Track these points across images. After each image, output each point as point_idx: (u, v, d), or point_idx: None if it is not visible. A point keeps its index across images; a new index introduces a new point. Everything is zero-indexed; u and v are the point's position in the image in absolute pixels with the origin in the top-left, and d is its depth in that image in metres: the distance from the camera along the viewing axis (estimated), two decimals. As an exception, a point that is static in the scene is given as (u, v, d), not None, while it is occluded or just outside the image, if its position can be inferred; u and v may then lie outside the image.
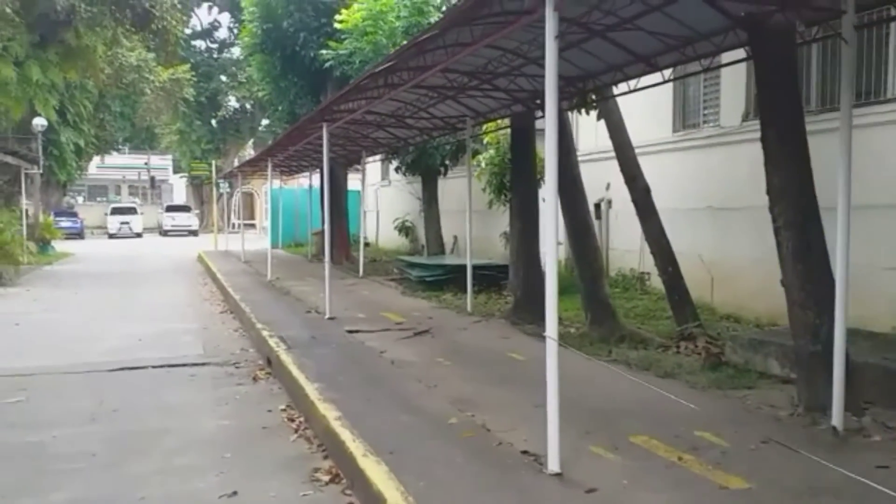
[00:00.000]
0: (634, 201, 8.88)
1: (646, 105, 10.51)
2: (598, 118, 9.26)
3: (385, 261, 19.61)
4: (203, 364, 8.25)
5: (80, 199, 54.33)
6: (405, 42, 9.21)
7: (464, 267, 11.54)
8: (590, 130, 12.23)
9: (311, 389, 6.17)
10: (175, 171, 57.70)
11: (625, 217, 11.57)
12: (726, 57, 7.25)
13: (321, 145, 10.98)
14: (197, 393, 7.08)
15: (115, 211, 43.23)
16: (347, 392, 6.12)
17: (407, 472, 4.23)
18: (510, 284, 11.48)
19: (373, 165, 23.62)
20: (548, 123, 4.25)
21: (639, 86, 8.03)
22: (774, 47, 5.69)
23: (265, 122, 39.55)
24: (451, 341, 8.61)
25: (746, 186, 9.54)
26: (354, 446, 4.68)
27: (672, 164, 11.29)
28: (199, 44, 45.99)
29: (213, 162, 38.31)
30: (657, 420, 5.31)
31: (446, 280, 13.35)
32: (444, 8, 13.65)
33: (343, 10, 15.20)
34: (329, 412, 5.46)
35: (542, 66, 7.47)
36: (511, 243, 11.23)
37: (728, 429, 5.11)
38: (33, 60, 21.91)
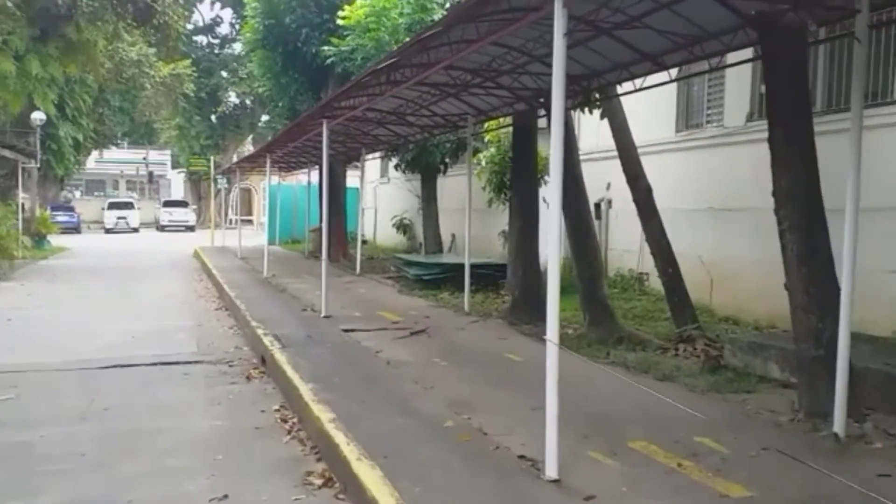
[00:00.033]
0: (636, 201, 8.79)
1: (649, 104, 10.42)
2: (602, 117, 9.17)
3: (382, 258, 19.53)
4: (196, 362, 8.16)
5: (77, 194, 54.08)
6: (408, 39, 9.12)
7: (462, 266, 11.46)
8: (591, 130, 12.14)
9: (305, 390, 6.08)
10: (173, 167, 57.53)
11: (625, 217, 11.49)
12: (732, 57, 7.17)
13: (321, 142, 10.90)
14: (190, 392, 6.99)
15: (112, 206, 43.05)
16: (342, 393, 6.03)
17: (402, 476, 4.14)
18: (508, 284, 11.40)
19: (372, 163, 23.54)
20: (554, 122, 4.17)
21: (644, 85, 7.95)
22: (785, 47, 5.61)
23: (265, 118, 39.39)
24: (447, 341, 8.53)
25: (748, 188, 9.47)
26: (348, 449, 4.59)
27: (674, 165, 11.21)
28: (201, 39, 45.92)
29: (212, 157, 38.19)
30: (656, 424, 5.23)
31: (444, 279, 13.28)
32: (447, 5, 13.55)
33: (346, 7, 15.09)
34: (323, 414, 5.37)
35: (547, 64, 7.41)
36: (510, 242, 11.15)
37: (728, 434, 5.03)
38: (33, 54, 21.78)
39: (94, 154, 45.77)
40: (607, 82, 8.35)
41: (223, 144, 46.76)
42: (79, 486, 4.64)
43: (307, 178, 24.11)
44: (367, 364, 7.34)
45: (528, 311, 9.55)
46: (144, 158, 57.78)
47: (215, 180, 33.55)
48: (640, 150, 9.04)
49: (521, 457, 4.50)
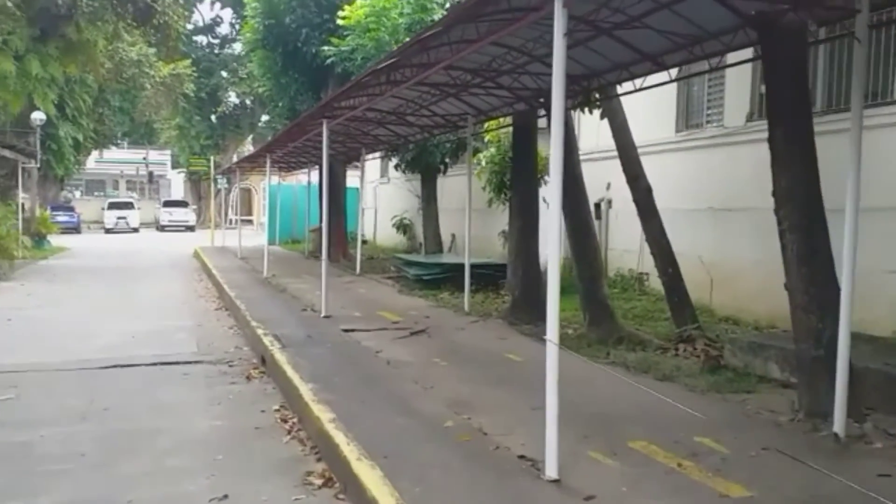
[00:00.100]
0: (636, 201, 8.79)
1: (649, 105, 10.42)
2: (602, 117, 9.17)
3: (382, 258, 19.52)
4: (196, 362, 8.15)
5: (77, 194, 54.06)
6: (408, 39, 9.12)
7: (462, 266, 11.46)
8: (591, 130, 12.14)
9: (305, 390, 6.07)
10: (173, 167, 57.52)
11: (625, 217, 11.49)
12: (732, 57, 7.16)
13: (321, 142, 10.90)
14: (190, 392, 6.99)
15: (112, 206, 43.03)
16: (342, 393, 6.03)
17: (402, 477, 4.14)
18: (508, 284, 11.40)
19: (372, 163, 23.54)
20: (554, 122, 4.17)
21: (644, 85, 7.95)
22: (785, 47, 5.60)
23: (265, 118, 39.39)
24: (447, 341, 8.53)
25: (748, 187, 9.47)
26: (348, 449, 4.59)
27: (673, 165, 11.20)
28: (201, 39, 45.91)
29: (212, 157, 38.17)
30: (656, 424, 5.23)
31: (444, 279, 13.27)
32: (447, 5, 13.55)
33: (346, 7, 15.09)
34: (323, 414, 5.37)
35: (547, 64, 7.40)
36: (510, 242, 11.15)
37: (728, 434, 5.03)
38: (33, 54, 21.77)
39: (94, 154, 45.76)
40: (607, 82, 8.35)
41: (223, 144, 46.75)
42: (79, 486, 4.64)
43: (307, 178, 24.11)
44: (367, 364, 7.34)
45: (528, 311, 9.55)
46: (144, 158, 57.78)
47: (215, 180, 33.56)
48: (639, 151, 9.04)
49: (521, 457, 4.50)
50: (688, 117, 11.62)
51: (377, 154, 19.97)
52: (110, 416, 6.14)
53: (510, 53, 7.73)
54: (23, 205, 23.63)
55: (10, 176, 24.16)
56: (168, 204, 46.04)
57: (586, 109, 9.67)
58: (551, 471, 4.12)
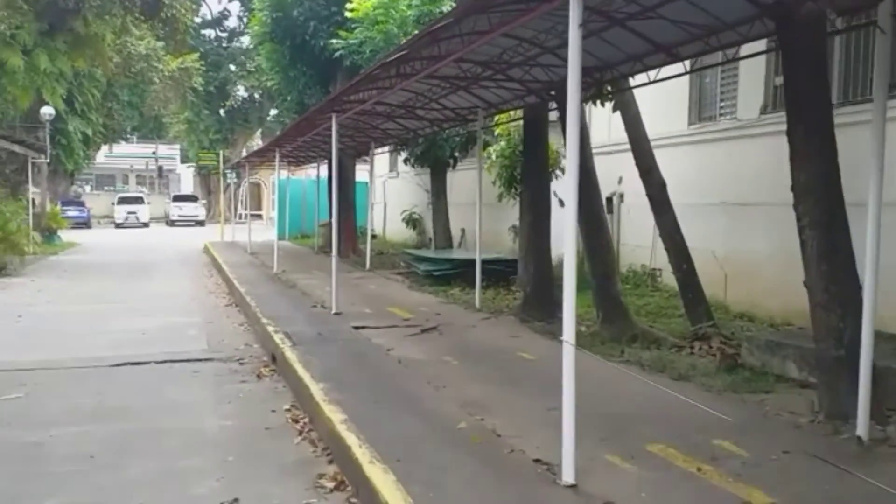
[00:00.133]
0: (649, 196, 8.66)
1: (660, 97, 10.25)
2: (614, 110, 9.04)
3: (392, 254, 19.45)
4: (207, 360, 8.10)
5: (87, 189, 54.21)
6: (417, 31, 9.01)
7: (472, 261, 11.35)
8: (603, 123, 12.00)
9: (316, 389, 5.99)
10: (183, 161, 57.64)
11: (637, 212, 11.35)
12: (746, 48, 7.01)
13: (330, 136, 10.80)
14: (200, 390, 6.94)
15: (122, 200, 43.13)
16: (353, 393, 5.95)
17: (415, 481, 4.05)
18: (519, 280, 11.29)
19: (381, 157, 23.44)
20: (570, 115, 4.06)
21: (657, 77, 7.80)
22: (804, 38, 5.45)
23: (274, 111, 39.36)
24: (459, 339, 8.44)
25: (762, 182, 9.32)
26: (361, 452, 4.51)
27: (686, 158, 11.05)
28: (209, 33, 45.89)
29: (221, 152, 38.19)
30: (674, 426, 5.12)
31: (454, 274, 13.17)
32: (455, -4, 13.43)
33: (354, -1, 15.01)
34: (335, 414, 5.29)
35: (559, 56, 7.27)
36: (520, 237, 11.04)
37: (747, 437, 4.92)
38: (41, 49, 21.79)
39: (104, 149, 45.97)
40: (620, 74, 8.20)
41: (232, 139, 46.81)
42: (87, 488, 4.57)
43: (316, 173, 24.04)
44: (379, 362, 7.27)
45: (540, 308, 9.45)
46: (154, 153, 57.96)
47: (224, 175, 33.56)
48: (651, 144, 8.90)
49: (537, 460, 4.40)
50: (700, 110, 11.45)
51: (386, 148, 19.89)
52: (120, 415, 6.09)
53: (521, 45, 7.60)
54: (33, 200, 23.70)
55: (21, 171, 24.21)
56: (178, 199, 46.12)
57: (598, 102, 9.54)
58: (568, 476, 4.02)
